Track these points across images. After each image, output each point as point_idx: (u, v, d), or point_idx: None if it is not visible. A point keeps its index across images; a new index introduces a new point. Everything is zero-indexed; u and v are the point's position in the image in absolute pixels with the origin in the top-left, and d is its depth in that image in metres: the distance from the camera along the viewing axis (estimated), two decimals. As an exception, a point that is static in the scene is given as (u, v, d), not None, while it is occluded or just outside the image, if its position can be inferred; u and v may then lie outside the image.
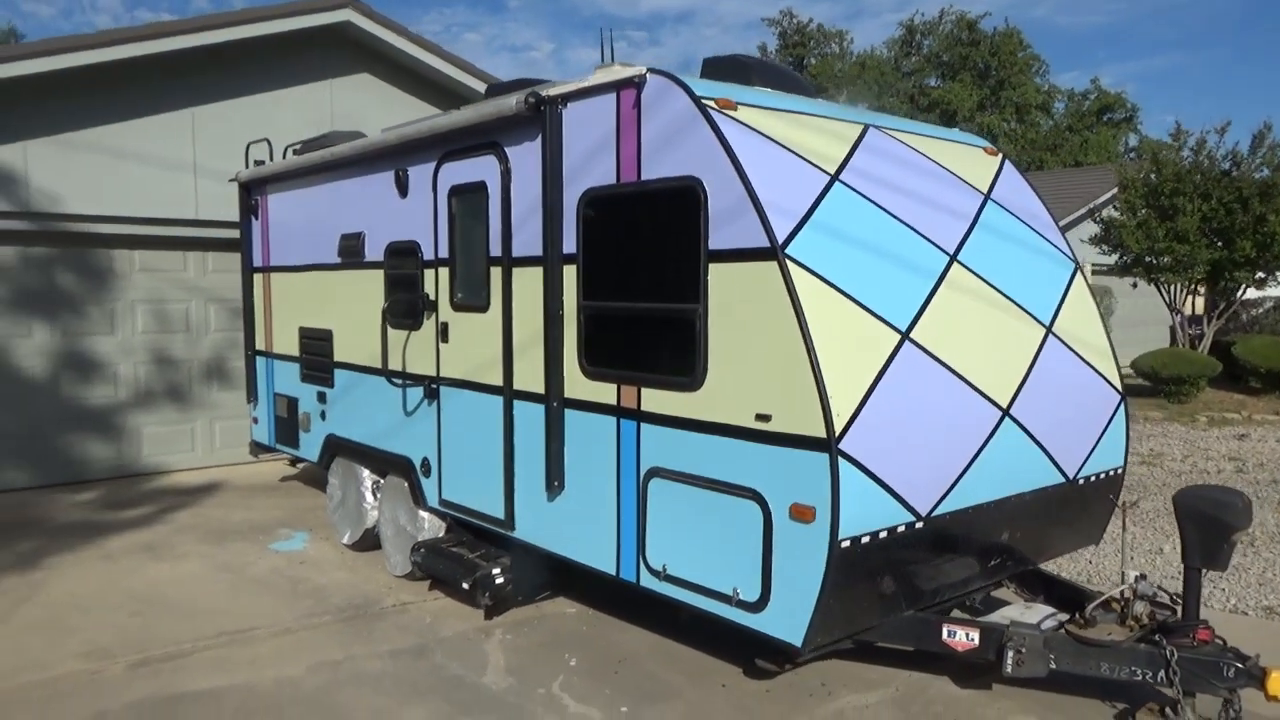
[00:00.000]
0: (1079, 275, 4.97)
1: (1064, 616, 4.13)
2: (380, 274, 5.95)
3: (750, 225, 3.61)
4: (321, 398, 6.85)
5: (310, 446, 7.07)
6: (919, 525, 3.74)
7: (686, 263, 3.88)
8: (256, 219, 7.77)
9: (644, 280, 4.16)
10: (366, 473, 6.42)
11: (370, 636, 5.03)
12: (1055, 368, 4.51)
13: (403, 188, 5.66)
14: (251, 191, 7.76)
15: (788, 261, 3.54)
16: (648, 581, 4.16)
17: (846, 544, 3.46)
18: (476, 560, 5.15)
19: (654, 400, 4.07)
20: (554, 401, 4.51)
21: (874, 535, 3.57)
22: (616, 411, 4.25)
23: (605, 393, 4.30)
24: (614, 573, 4.34)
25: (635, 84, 4.07)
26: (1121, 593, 3.89)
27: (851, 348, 3.63)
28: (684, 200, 3.87)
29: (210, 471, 9.27)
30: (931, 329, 3.96)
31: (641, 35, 69.67)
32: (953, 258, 4.30)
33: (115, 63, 8.30)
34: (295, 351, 7.19)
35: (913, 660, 4.37)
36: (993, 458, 4.06)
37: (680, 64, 41.53)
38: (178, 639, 5.01)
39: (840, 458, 3.40)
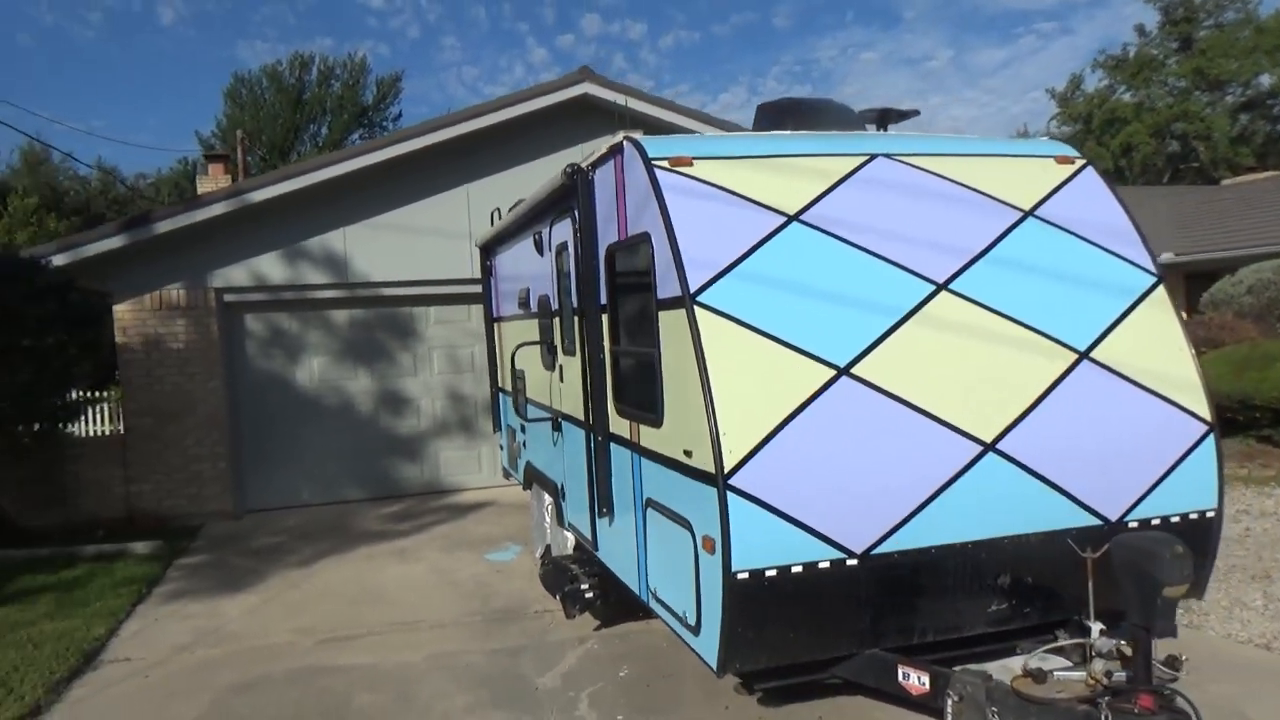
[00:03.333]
0: (1157, 294, 4.39)
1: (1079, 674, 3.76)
2: (535, 322, 6.87)
3: (673, 276, 3.91)
4: (523, 429, 7.93)
5: (519, 471, 8.19)
6: (852, 563, 3.72)
7: (647, 310, 4.26)
8: (491, 276, 9.16)
9: (633, 326, 4.58)
10: (546, 495, 7.35)
11: (493, 636, 5.90)
12: (1088, 397, 4.08)
13: (538, 248, 6.54)
14: (486, 252, 9.17)
15: (696, 308, 3.78)
16: (651, 602, 4.52)
17: (745, 575, 3.60)
18: (577, 575, 5.79)
19: (646, 436, 4.45)
20: (599, 435, 5.03)
21: (784, 569, 3.65)
22: (630, 446, 4.68)
23: (626, 429, 4.75)
24: (638, 593, 4.75)
25: (620, 150, 4.53)
26: (1088, 648, 3.49)
27: (762, 386, 3.75)
28: (641, 254, 4.26)
29: (491, 491, 10.88)
30: (885, 363, 3.90)
31: (1052, 26, 65.29)
32: (941, 286, 4.13)
33: (405, 155, 10.28)
34: (510, 389, 8.39)
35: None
36: (968, 495, 3.85)
37: (1090, 52, 38.25)
38: (364, 624, 6.29)
39: (730, 492, 3.57)
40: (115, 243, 9.54)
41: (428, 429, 11.02)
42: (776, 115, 5.24)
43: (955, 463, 3.87)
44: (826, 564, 3.71)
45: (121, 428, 10.33)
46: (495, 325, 9.10)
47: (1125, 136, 35.86)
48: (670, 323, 3.99)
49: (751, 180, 4.25)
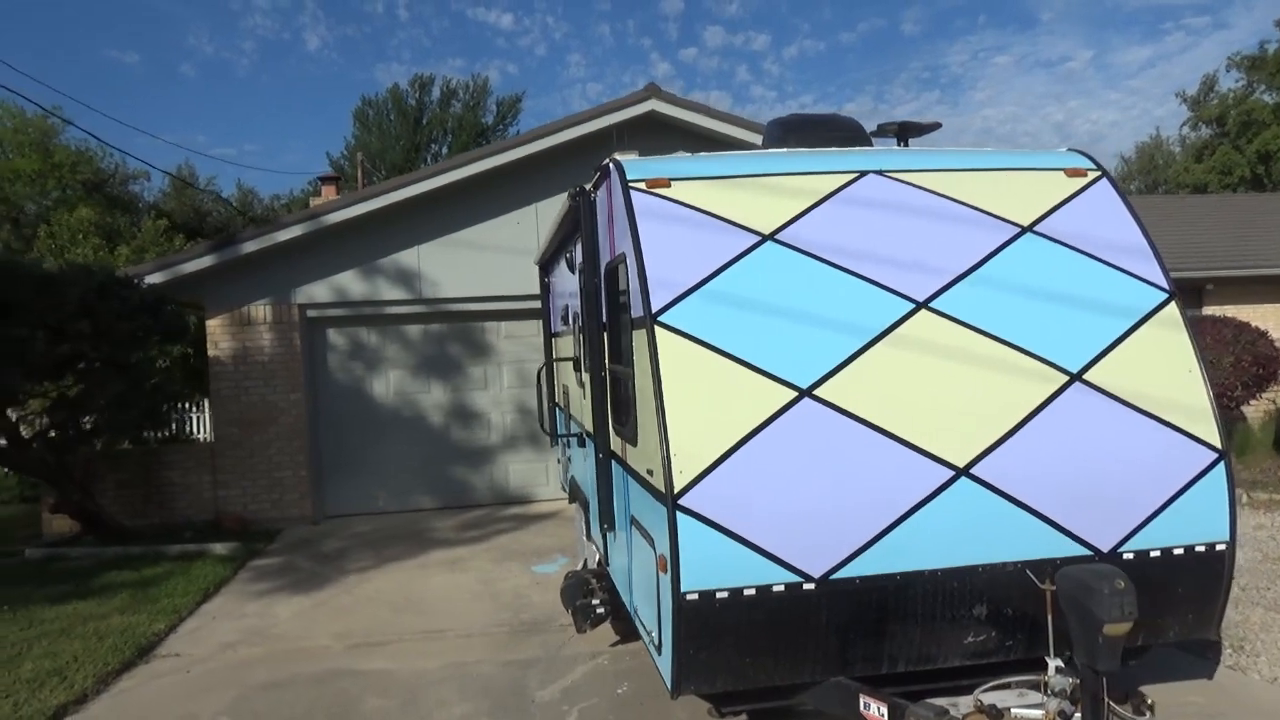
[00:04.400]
0: (1166, 312, 4.14)
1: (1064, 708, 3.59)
2: (571, 338, 7.00)
3: (639, 297, 3.94)
4: (567, 443, 8.07)
5: (567, 485, 8.32)
6: (809, 587, 3.65)
7: (623, 329, 4.30)
8: (548, 293, 9.34)
9: (617, 345, 4.62)
10: (582, 509, 7.45)
11: (513, 647, 6.02)
12: (1079, 421, 3.88)
13: (569, 266, 6.66)
14: (543, 270, 9.36)
15: (656, 328, 3.80)
16: (634, 619, 4.54)
17: (695, 596, 3.58)
18: (594, 589, 5.85)
19: (629, 453, 4.48)
20: (601, 452, 5.09)
21: (736, 592, 3.61)
22: (620, 463, 4.72)
23: (620, 446, 4.80)
24: (628, 609, 4.77)
25: (608, 172, 4.60)
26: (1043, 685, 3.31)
27: (719, 406, 3.73)
28: (621, 274, 4.31)
29: (557, 504, 11.04)
30: (852, 384, 3.81)
31: (1204, 21, 61.91)
32: (921, 305, 4.01)
33: (476, 175, 10.62)
34: (561, 403, 8.54)
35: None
36: (938, 521, 3.72)
37: (1250, 47, 36.11)
38: (397, 631, 6.52)
39: (680, 512, 3.56)
40: (206, 261, 10.20)
41: (497, 441, 11.30)
42: (783, 131, 5.22)
43: (923, 488, 3.75)
44: (781, 587, 3.64)
45: (211, 436, 10.98)
46: (551, 341, 9.27)
47: (1262, 143, 33.47)
48: (639, 342, 4.02)
49: (729, 200, 4.24)
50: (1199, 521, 3.92)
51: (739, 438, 3.69)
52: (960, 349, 3.97)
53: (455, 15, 66.56)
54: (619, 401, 4.67)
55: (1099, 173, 4.60)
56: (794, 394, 3.78)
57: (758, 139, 10.46)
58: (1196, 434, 3.95)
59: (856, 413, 3.78)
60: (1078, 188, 4.50)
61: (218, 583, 8.03)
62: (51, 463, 9.08)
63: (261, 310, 10.57)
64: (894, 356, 3.91)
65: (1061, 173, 4.59)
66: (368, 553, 9.08)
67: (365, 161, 33.71)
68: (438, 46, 65.79)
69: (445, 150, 44.49)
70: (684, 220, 4.16)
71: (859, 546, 3.69)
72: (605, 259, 4.81)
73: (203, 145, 65.43)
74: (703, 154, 4.67)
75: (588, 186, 5.09)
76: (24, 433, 9.11)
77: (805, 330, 3.94)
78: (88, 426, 9.18)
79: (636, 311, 4.04)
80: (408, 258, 10.83)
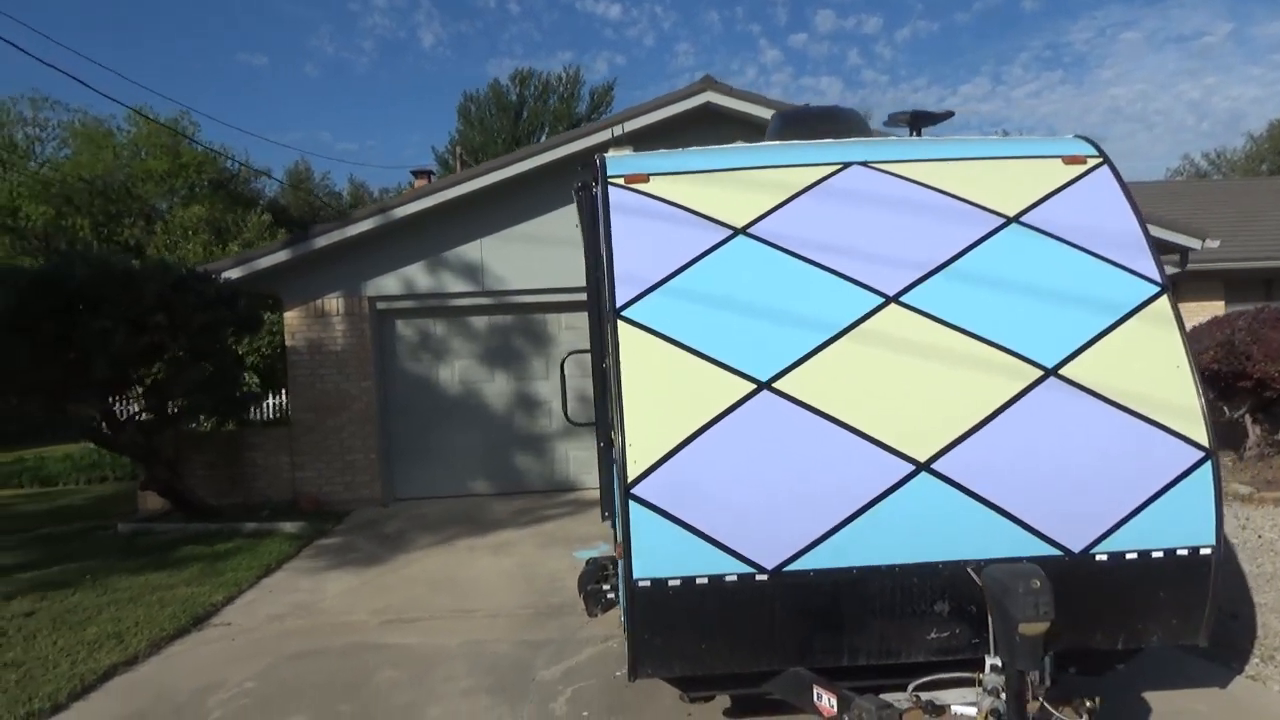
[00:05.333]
0: (1156, 306, 3.98)
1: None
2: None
3: (609, 290, 4.05)
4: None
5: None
6: (762, 578, 3.69)
7: (605, 322, 4.41)
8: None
9: (599, 338, 4.73)
10: (618, 497, 7.59)
11: (532, 628, 6.22)
12: (1051, 418, 3.78)
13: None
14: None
15: (620, 322, 3.90)
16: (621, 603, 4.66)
17: (646, 583, 3.67)
18: (609, 574, 5.99)
19: (616, 443, 4.60)
20: (602, 442, 5.22)
21: (688, 580, 3.69)
22: (611, 451, 4.84)
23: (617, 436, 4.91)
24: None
25: (598, 165, 4.70)
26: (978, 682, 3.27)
27: (676, 398, 3.79)
28: (601, 267, 4.41)
29: (615, 490, 11.22)
30: (814, 377, 3.82)
31: None
32: (891, 299, 3.98)
33: (536, 169, 10.86)
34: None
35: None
36: (896, 516, 3.69)
37: None
38: (430, 609, 6.82)
39: (632, 501, 3.66)
40: (281, 256, 10.77)
41: (557, 430, 11.56)
42: (782, 124, 5.23)
43: (882, 482, 3.73)
44: (734, 578, 3.70)
45: (291, 420, 11.59)
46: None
47: None
48: (610, 336, 4.13)
49: (706, 195, 4.29)
50: (1181, 524, 3.77)
51: (695, 429, 3.75)
52: (928, 343, 3.92)
53: (565, 8, 67.62)
54: (605, 392, 4.78)
55: (1100, 160, 4.44)
56: (752, 387, 3.82)
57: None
58: (1181, 432, 3.80)
59: (816, 406, 3.79)
60: (1073, 176, 4.36)
61: (280, 559, 8.52)
62: (142, 444, 9.78)
63: (334, 302, 11.09)
64: (859, 351, 3.90)
65: (1059, 160, 4.45)
66: (423, 535, 9.46)
67: (465, 155, 34.63)
68: (548, 40, 67.00)
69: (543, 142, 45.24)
70: (658, 215, 4.24)
71: (814, 539, 3.71)
72: (602, 253, 4.92)
73: (326, 141, 68.42)
74: (692, 149, 4.72)
75: (589, 179, 5.21)
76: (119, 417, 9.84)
77: (770, 324, 3.97)
78: (173, 411, 9.84)
79: (608, 306, 4.14)
80: (471, 251, 11.17)
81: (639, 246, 4.11)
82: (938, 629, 3.82)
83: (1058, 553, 3.74)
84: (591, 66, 62.18)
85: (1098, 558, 3.74)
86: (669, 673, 3.91)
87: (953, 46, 70.13)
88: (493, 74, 71.49)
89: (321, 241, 10.76)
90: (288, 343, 11.10)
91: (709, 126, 10.82)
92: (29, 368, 8.54)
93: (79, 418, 8.78)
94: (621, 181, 4.32)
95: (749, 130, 10.91)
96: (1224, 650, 5.20)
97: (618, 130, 10.94)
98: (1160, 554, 3.77)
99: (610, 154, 4.78)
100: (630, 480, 3.67)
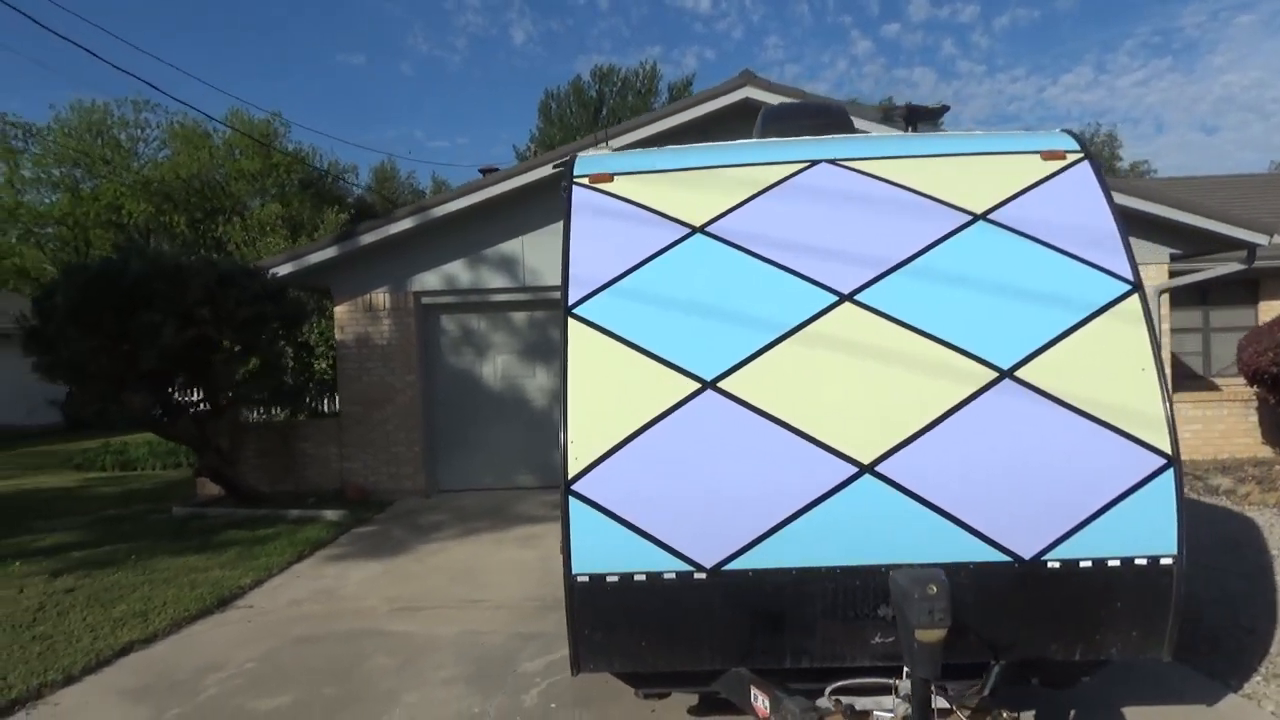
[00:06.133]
0: (1126, 305, 3.83)
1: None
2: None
3: (563, 287, 4.10)
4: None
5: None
6: (700, 576, 3.69)
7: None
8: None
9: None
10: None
11: (531, 620, 6.32)
12: (1004, 420, 3.67)
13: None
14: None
15: (570, 320, 3.95)
16: None
17: (585, 579, 3.72)
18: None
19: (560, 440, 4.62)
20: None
21: (626, 577, 3.71)
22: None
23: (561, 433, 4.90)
24: None
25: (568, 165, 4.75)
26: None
27: (620, 397, 3.81)
28: (565, 266, 4.45)
29: (651, 486, 11.26)
30: (760, 377, 3.79)
31: None
32: (845, 298, 3.92)
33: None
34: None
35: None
36: (838, 519, 3.64)
37: None
38: (441, 599, 6.98)
39: (572, 497, 3.71)
40: (330, 253, 11.13)
41: (596, 425, 11.64)
42: (764, 121, 5.21)
43: (822, 483, 3.68)
44: (672, 575, 3.71)
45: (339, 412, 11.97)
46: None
47: None
48: (561, 333, 4.18)
49: (669, 194, 4.29)
50: (1140, 533, 3.62)
51: (637, 427, 3.77)
52: (880, 343, 3.85)
53: (654, 2, 67.83)
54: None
55: (1080, 155, 4.29)
56: (696, 385, 3.81)
57: (857, 121, 10.25)
58: (1141, 438, 3.65)
59: (759, 406, 3.77)
60: (1050, 172, 4.22)
61: (314, 545, 8.83)
62: (195, 433, 10.25)
63: (381, 298, 11.41)
64: (809, 350, 3.85)
65: (1037, 156, 4.31)
66: (456, 525, 9.68)
67: (539, 153, 35.03)
68: (636, 35, 67.38)
69: (622, 139, 45.36)
70: (619, 214, 4.26)
71: (753, 539, 3.69)
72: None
73: (418, 139, 70.20)
74: (666, 148, 4.72)
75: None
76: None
77: (720, 323, 3.96)
78: (222, 402, 10.29)
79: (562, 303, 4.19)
80: (512, 247, 11.35)
81: (597, 245, 4.14)
82: (882, 634, 3.75)
83: (1007, 559, 3.64)
84: (680, 62, 62.25)
85: (1049, 565, 3.63)
86: (612, 668, 3.94)
87: (1053, 34, 67.67)
88: (581, 70, 72.43)
89: (367, 238, 11.08)
90: (337, 336, 11.47)
91: (749, 121, 10.73)
92: (89, 358, 9.04)
93: (133, 406, 9.25)
94: (586, 181, 4.36)
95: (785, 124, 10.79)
96: (1228, 665, 4.97)
97: (658, 125, 11.00)
98: (1117, 563, 3.64)
99: (589, 153, 4.83)
100: (570, 476, 3.71)
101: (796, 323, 3.90)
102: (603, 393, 3.82)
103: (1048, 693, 4.40)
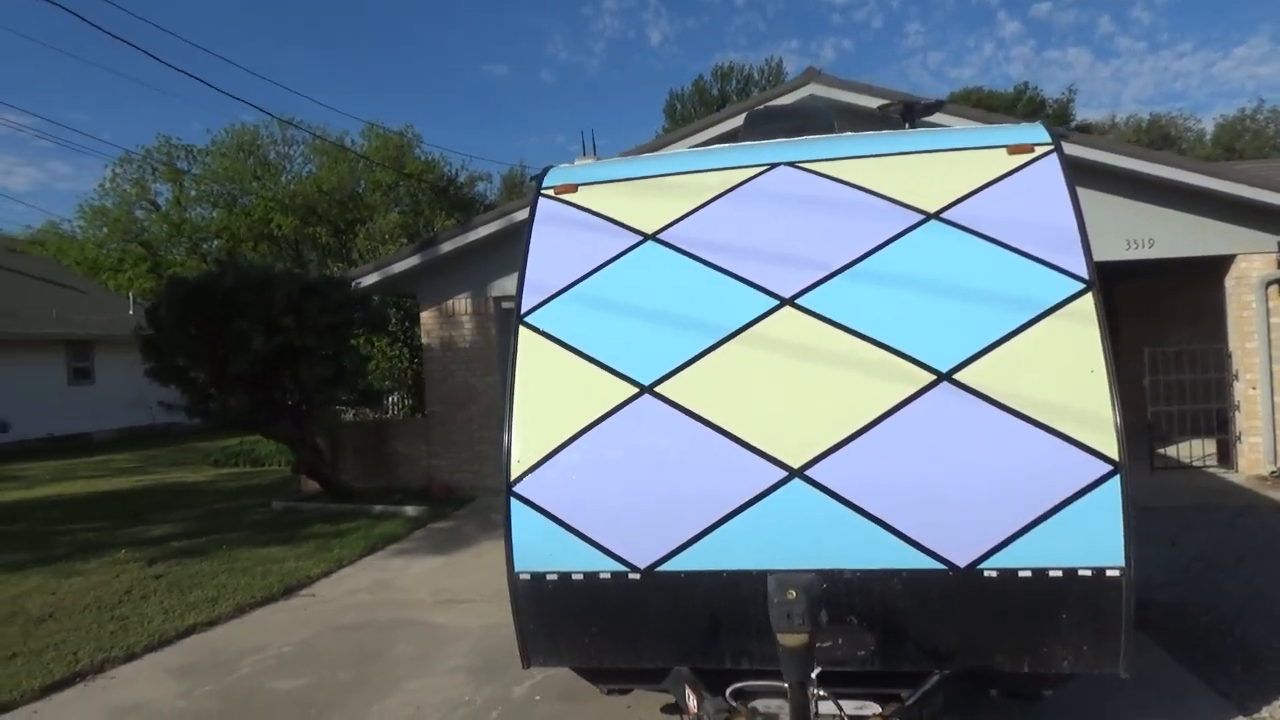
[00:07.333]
0: (1078, 305, 3.66)
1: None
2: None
3: (517, 296, 4.27)
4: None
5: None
6: (634, 577, 3.78)
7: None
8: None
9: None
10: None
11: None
12: (940, 424, 3.59)
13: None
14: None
15: (520, 328, 4.11)
16: None
17: (527, 576, 3.88)
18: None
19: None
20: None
21: (564, 575, 3.84)
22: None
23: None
24: None
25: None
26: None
27: (562, 401, 3.95)
28: (521, 274, 4.59)
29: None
30: (694, 381, 3.84)
31: None
32: (786, 302, 3.91)
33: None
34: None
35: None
36: (767, 522, 3.65)
37: None
38: (483, 593, 7.26)
39: (513, 498, 3.88)
40: (413, 261, 11.70)
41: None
42: (746, 124, 5.22)
43: (752, 487, 3.70)
44: (608, 575, 3.81)
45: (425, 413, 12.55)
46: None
47: None
48: (511, 340, 4.34)
49: (626, 203, 4.39)
50: (1083, 542, 3.47)
51: (576, 430, 3.90)
52: (818, 347, 3.83)
53: (791, -5, 67.22)
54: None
55: (1049, 148, 4.12)
56: (634, 390, 3.90)
57: (936, 119, 9.98)
58: (1086, 443, 3.49)
59: (693, 410, 3.82)
60: (1013, 166, 4.07)
61: (388, 539, 9.34)
62: (291, 432, 11.00)
63: (463, 303, 11.91)
64: (745, 354, 3.88)
65: (1003, 150, 4.16)
66: (524, 523, 9.98)
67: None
68: (772, 29, 66.94)
69: (743, 137, 45.38)
70: (577, 224, 4.39)
71: (684, 541, 3.75)
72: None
73: (559, 144, 72.08)
74: (636, 157, 4.81)
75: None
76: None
77: (661, 328, 4.03)
78: (311, 404, 11.00)
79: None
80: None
81: (552, 255, 4.29)
82: (820, 639, 3.74)
83: (940, 566, 3.57)
84: (818, 54, 61.24)
85: (986, 573, 3.53)
86: (560, 663, 4.09)
87: (1223, 3, 62.72)
88: (716, 68, 72.41)
89: (447, 247, 11.59)
90: (423, 340, 12.05)
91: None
92: (191, 364, 9.88)
93: (230, 408, 10.04)
94: (552, 193, 4.52)
95: (855, 120, 10.61)
96: (1253, 688, 4.64)
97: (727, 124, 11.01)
98: (1059, 573, 3.50)
99: (575, 163, 4.99)
100: (512, 478, 3.88)
101: (735, 327, 3.94)
102: (546, 397, 3.97)
103: (1037, 708, 4.27)
